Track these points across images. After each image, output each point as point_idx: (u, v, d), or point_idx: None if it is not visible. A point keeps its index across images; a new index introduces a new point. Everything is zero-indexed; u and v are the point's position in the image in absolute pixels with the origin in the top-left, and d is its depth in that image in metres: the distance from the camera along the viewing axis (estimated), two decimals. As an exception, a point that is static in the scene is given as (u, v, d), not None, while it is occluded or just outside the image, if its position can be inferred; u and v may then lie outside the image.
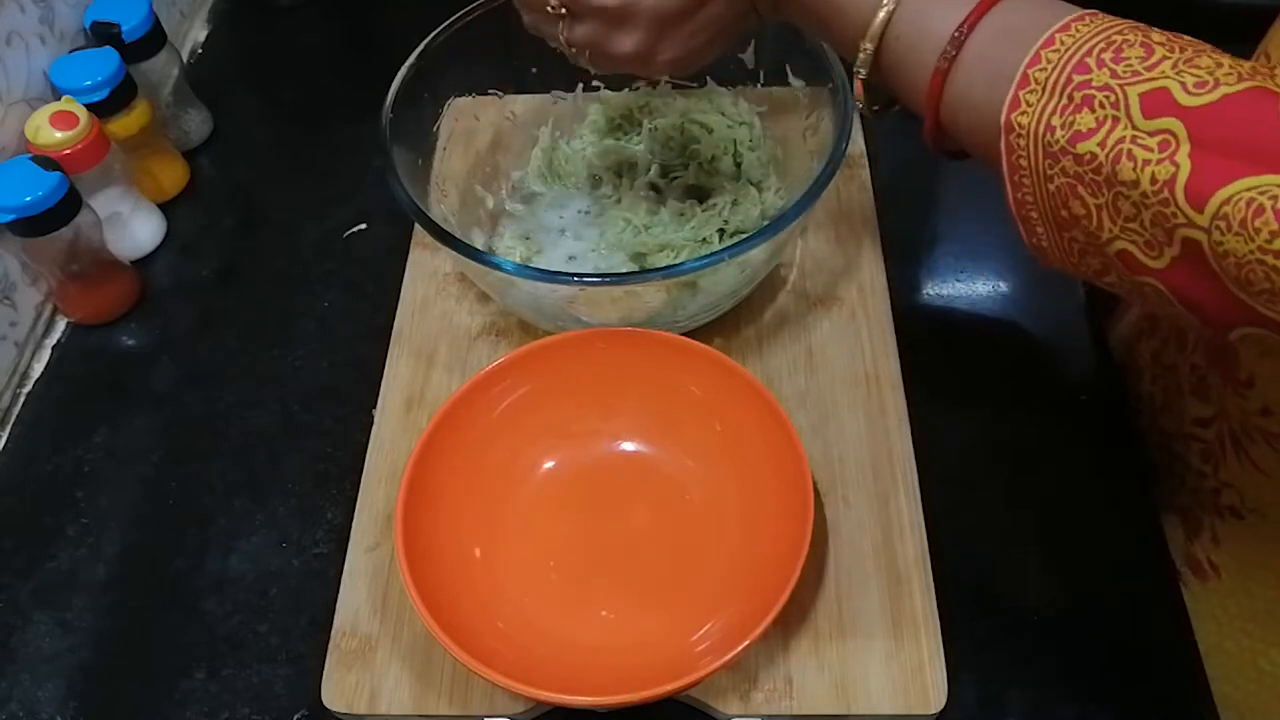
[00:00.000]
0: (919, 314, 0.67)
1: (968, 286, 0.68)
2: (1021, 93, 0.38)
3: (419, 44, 0.63)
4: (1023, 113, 0.38)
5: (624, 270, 0.64)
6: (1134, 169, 0.35)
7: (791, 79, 0.67)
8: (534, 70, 0.71)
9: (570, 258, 0.66)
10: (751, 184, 0.68)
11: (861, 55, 0.46)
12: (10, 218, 0.61)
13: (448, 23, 0.64)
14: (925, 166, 0.73)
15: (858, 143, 0.72)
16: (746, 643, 0.46)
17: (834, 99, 0.60)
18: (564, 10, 0.52)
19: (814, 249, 0.67)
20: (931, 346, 0.64)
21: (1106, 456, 0.60)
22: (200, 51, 0.88)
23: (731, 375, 0.55)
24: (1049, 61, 0.38)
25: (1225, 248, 0.33)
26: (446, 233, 0.56)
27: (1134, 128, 0.35)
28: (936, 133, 0.44)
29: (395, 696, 0.51)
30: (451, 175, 0.67)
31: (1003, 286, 0.68)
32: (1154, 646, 0.54)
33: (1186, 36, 0.37)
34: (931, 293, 0.68)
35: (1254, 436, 0.51)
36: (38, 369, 0.68)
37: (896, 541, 0.55)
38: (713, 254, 0.53)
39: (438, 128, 0.66)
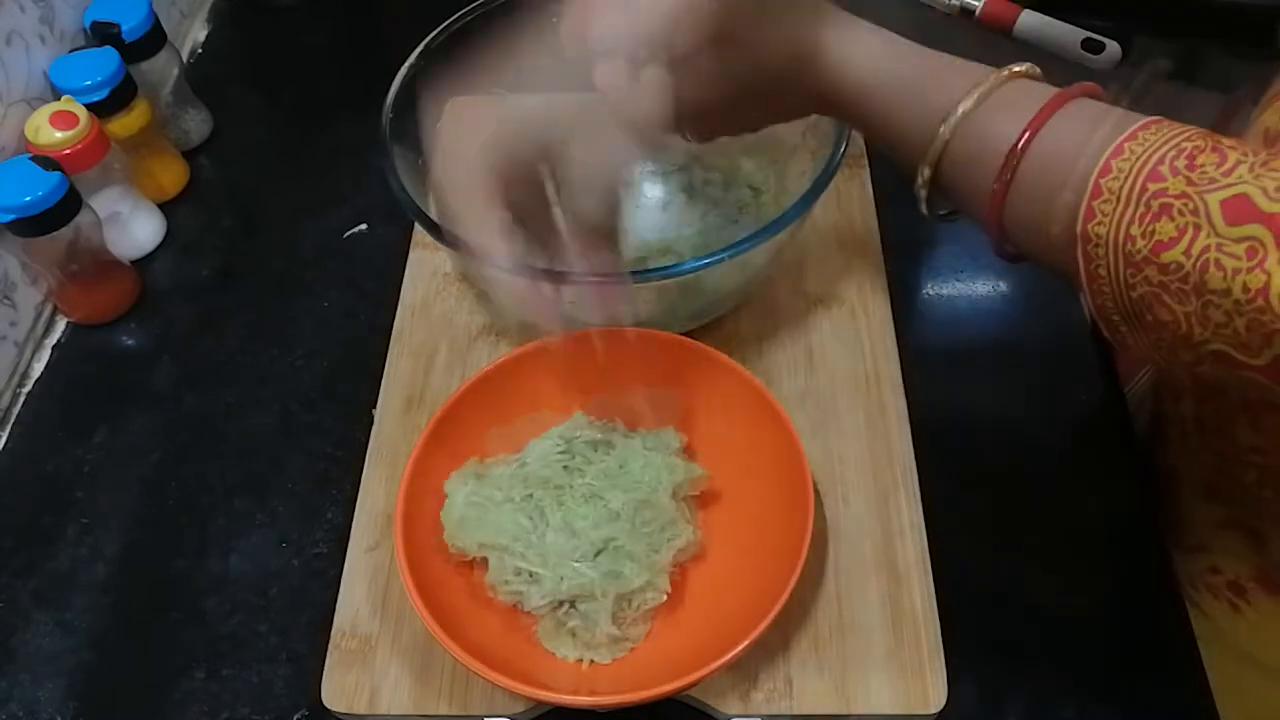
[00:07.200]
0: (919, 314, 0.67)
1: (968, 286, 0.68)
2: (1095, 203, 0.38)
3: (419, 44, 0.63)
4: (1099, 223, 0.38)
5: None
6: (1224, 278, 0.34)
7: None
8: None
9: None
10: (750, 185, 0.67)
11: (920, 179, 0.45)
12: (10, 218, 0.61)
13: (448, 23, 0.64)
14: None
15: (858, 142, 0.71)
16: (746, 643, 0.46)
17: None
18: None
19: (814, 249, 0.67)
20: (931, 346, 0.64)
21: (1106, 456, 0.60)
22: (200, 51, 0.88)
23: (731, 375, 0.55)
24: (1120, 171, 0.37)
25: None
26: (446, 233, 0.56)
27: (1217, 235, 0.35)
28: (1000, 245, 0.44)
29: (395, 696, 0.51)
30: (452, 175, 0.67)
31: (1003, 286, 0.68)
32: (1154, 647, 0.54)
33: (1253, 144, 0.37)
34: (931, 293, 0.68)
35: None
36: (38, 369, 0.68)
37: (896, 541, 0.55)
38: (713, 254, 0.53)
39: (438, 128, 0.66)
